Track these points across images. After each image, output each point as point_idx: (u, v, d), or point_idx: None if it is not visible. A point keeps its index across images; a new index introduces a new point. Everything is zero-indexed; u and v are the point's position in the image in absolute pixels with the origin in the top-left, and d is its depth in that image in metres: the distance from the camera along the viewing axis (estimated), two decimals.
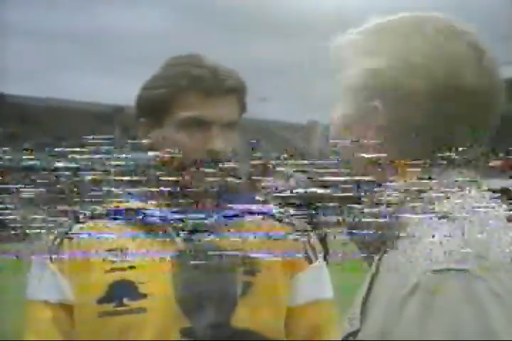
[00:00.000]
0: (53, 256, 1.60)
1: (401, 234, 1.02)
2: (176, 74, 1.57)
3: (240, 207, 1.64)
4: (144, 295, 1.53)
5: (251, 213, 1.65)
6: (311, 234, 1.70)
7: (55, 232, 1.65)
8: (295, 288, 1.63)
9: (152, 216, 1.60)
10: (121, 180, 1.78)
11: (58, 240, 1.62)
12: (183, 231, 1.59)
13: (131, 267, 1.56)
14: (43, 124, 49.26)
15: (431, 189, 1.03)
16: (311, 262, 1.66)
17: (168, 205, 1.62)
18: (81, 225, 1.63)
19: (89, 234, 1.61)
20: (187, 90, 1.56)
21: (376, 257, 1.07)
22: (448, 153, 1.05)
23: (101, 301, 1.54)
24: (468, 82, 1.03)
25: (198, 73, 1.56)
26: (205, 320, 1.31)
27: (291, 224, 1.68)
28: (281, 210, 1.71)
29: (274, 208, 1.71)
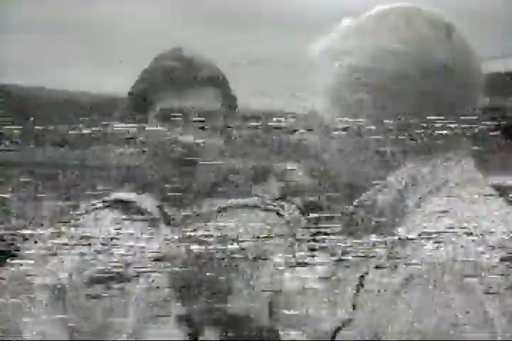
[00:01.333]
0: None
1: (397, 227, 1.03)
2: (154, 68, 1.63)
3: (226, 199, 1.65)
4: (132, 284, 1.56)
5: (238, 205, 1.66)
6: (302, 219, 1.72)
7: (55, 224, 1.72)
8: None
9: (144, 206, 1.64)
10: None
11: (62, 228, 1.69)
12: (173, 221, 1.62)
13: (122, 255, 1.58)
14: (42, 117, 49.28)
15: (428, 183, 1.04)
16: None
17: (159, 195, 1.65)
18: (81, 216, 1.70)
19: (87, 225, 1.67)
20: (163, 83, 1.60)
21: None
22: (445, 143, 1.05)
23: (90, 282, 1.58)
24: (440, 58, 1.05)
25: (171, 66, 1.60)
26: (198, 306, 1.32)
27: (280, 215, 1.68)
28: (269, 201, 1.72)
29: (262, 200, 1.71)
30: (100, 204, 1.71)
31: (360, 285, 1.04)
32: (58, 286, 1.63)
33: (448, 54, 1.06)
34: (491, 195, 1.07)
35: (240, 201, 1.68)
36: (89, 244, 1.63)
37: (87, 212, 1.70)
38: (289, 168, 7.19)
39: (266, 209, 1.69)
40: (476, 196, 1.04)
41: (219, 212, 1.64)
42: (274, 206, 1.71)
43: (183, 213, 1.63)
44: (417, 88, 1.05)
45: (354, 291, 1.04)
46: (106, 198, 1.72)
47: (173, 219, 1.63)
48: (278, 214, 1.69)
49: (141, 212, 1.64)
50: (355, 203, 1.09)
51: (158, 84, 1.60)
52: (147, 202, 1.65)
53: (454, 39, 1.07)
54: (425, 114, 1.05)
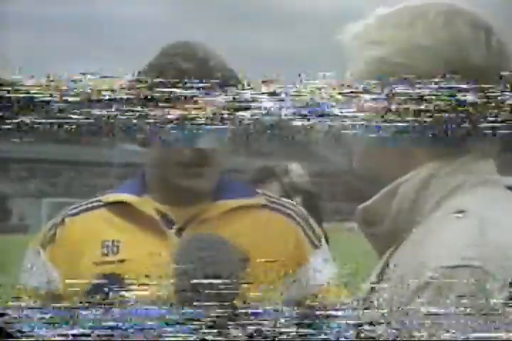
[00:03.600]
0: (46, 246, 1.61)
1: (414, 229, 1.01)
2: (165, 66, 1.54)
3: (230, 200, 1.62)
4: (131, 289, 1.50)
5: (243, 206, 1.63)
6: (311, 220, 1.70)
7: (51, 222, 1.65)
8: (305, 273, 1.62)
9: (143, 208, 1.59)
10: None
11: (52, 230, 1.63)
12: (174, 224, 1.58)
13: (121, 260, 1.55)
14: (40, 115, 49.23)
15: (448, 182, 1.02)
16: (316, 247, 1.66)
17: (160, 198, 1.61)
18: (74, 217, 1.63)
19: (82, 226, 1.61)
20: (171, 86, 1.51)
21: (388, 251, 1.05)
22: (467, 144, 1.04)
23: (88, 293, 1.53)
24: (476, 61, 1.02)
25: (186, 67, 1.52)
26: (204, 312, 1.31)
27: (287, 213, 1.66)
28: (276, 200, 1.70)
29: (266, 198, 1.68)
30: (95, 204, 1.64)
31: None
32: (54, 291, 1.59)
33: (484, 58, 1.02)
34: (510, 197, 1.05)
35: (247, 201, 1.65)
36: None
37: (80, 213, 1.64)
38: (291, 168, 7.20)
39: (273, 209, 1.67)
40: (495, 197, 1.02)
41: (226, 213, 1.60)
42: (281, 205, 1.68)
43: (186, 216, 1.59)
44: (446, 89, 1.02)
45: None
46: (101, 197, 1.65)
47: (175, 222, 1.59)
48: (286, 213, 1.67)
49: (140, 214, 1.59)
50: (371, 201, 1.07)
51: (167, 88, 1.51)
52: (147, 204, 1.60)
53: (492, 43, 1.04)
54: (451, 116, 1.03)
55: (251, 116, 1.47)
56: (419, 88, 1.03)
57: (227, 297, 1.34)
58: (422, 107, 1.03)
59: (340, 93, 1.11)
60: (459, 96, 1.02)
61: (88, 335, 1.39)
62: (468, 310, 0.87)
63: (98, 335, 1.39)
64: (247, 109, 1.49)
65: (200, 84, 1.49)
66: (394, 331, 0.92)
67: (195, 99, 1.50)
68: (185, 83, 1.50)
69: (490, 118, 1.02)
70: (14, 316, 1.42)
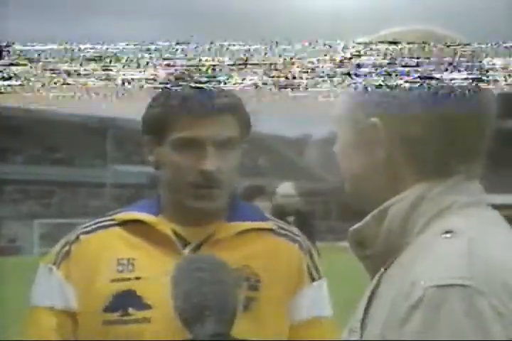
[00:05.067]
0: (60, 263, 1.61)
1: (405, 248, 1.01)
2: (170, 93, 1.57)
3: (242, 222, 1.64)
4: (149, 306, 1.54)
5: (255, 229, 1.65)
6: (314, 251, 1.71)
7: (64, 240, 1.65)
8: (297, 304, 1.63)
9: (159, 228, 1.61)
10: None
11: (66, 248, 1.63)
12: (189, 244, 1.60)
13: (137, 278, 1.56)
14: (33, 136, 49.31)
15: (437, 203, 1.03)
16: (313, 280, 1.66)
17: (175, 218, 1.62)
18: (89, 235, 1.64)
19: (97, 244, 1.62)
20: (179, 110, 1.55)
21: (379, 271, 1.06)
22: (455, 165, 1.05)
23: (106, 310, 1.55)
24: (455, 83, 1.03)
25: (189, 93, 1.55)
26: (205, 331, 1.30)
27: (295, 240, 1.68)
28: (284, 226, 1.71)
29: (275, 223, 1.70)
30: (109, 222, 1.66)
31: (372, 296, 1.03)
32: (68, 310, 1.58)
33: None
34: (498, 217, 1.06)
35: (259, 224, 1.66)
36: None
37: (94, 230, 1.65)
38: (281, 187, 7.21)
39: (282, 235, 1.67)
40: (483, 217, 1.03)
41: (239, 234, 1.62)
42: (290, 232, 1.70)
43: (201, 236, 1.61)
44: (434, 114, 1.03)
45: (363, 309, 1.03)
46: (116, 216, 1.66)
47: (189, 242, 1.60)
48: (294, 240, 1.68)
49: (156, 234, 1.60)
50: (361, 223, 1.07)
51: (174, 111, 1.56)
52: (164, 224, 1.61)
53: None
54: (438, 137, 1.04)
55: None
56: None
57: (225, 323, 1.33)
58: None
59: None
60: None
61: None
62: None
63: None
64: None
65: None
66: None
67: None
68: None
69: None
70: None
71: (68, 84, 1.23)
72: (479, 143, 1.07)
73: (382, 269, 1.05)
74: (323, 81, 1.13)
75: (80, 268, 1.60)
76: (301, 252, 1.66)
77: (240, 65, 1.14)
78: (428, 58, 1.03)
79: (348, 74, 1.08)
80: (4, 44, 1.20)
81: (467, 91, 1.03)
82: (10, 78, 1.21)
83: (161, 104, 1.58)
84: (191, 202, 1.58)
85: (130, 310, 1.53)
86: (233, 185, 1.62)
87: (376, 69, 1.05)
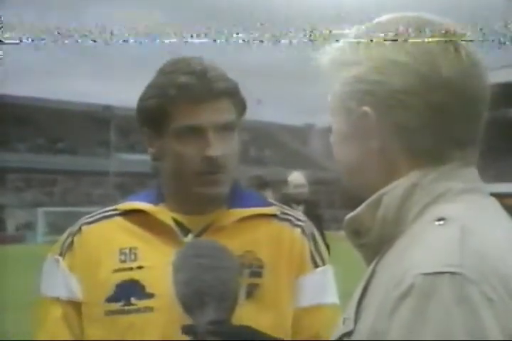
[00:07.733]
0: (65, 254, 1.63)
1: (399, 237, 1.01)
2: (165, 83, 1.56)
3: (244, 209, 1.63)
4: (151, 295, 1.54)
5: (258, 215, 1.64)
6: (318, 237, 1.70)
7: (68, 231, 1.66)
8: (299, 290, 1.62)
9: (160, 217, 1.61)
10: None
11: (70, 239, 1.64)
12: (191, 232, 1.60)
13: (140, 267, 1.57)
14: (38, 125, 49.24)
15: (431, 190, 1.03)
16: (317, 266, 1.65)
17: (176, 207, 1.62)
18: (91, 225, 1.65)
19: (98, 234, 1.63)
20: (177, 99, 1.55)
21: (374, 260, 1.06)
22: (450, 152, 1.05)
23: (109, 300, 1.55)
24: (445, 71, 1.03)
25: (185, 81, 1.54)
26: (205, 317, 1.30)
27: (297, 225, 1.67)
28: (288, 211, 1.71)
29: (279, 208, 1.70)
30: (111, 212, 1.66)
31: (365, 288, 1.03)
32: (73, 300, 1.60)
33: (455, 67, 1.03)
34: (494, 204, 1.06)
35: (261, 210, 1.65)
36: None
37: (96, 221, 1.66)
38: (293, 177, 7.20)
39: (285, 220, 1.67)
40: (478, 205, 1.02)
41: (240, 221, 1.61)
42: (293, 217, 1.69)
43: (202, 224, 1.60)
44: (423, 101, 1.03)
45: (359, 296, 1.03)
46: (118, 206, 1.67)
47: (191, 230, 1.60)
48: (297, 225, 1.67)
49: (157, 223, 1.60)
50: (356, 212, 1.07)
51: (173, 100, 1.54)
52: (165, 213, 1.61)
53: (461, 52, 1.04)
54: (428, 124, 1.03)
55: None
56: None
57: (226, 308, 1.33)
58: None
59: None
60: None
61: None
62: None
63: None
64: None
65: None
66: None
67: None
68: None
69: None
70: None
71: None
72: (472, 129, 1.06)
73: (377, 258, 1.05)
74: None
75: (83, 258, 1.61)
76: (304, 237, 1.65)
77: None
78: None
79: None
80: None
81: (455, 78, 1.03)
82: None
83: (156, 95, 1.57)
84: (198, 188, 1.57)
85: (132, 299, 1.54)
86: (235, 169, 1.62)
87: None
